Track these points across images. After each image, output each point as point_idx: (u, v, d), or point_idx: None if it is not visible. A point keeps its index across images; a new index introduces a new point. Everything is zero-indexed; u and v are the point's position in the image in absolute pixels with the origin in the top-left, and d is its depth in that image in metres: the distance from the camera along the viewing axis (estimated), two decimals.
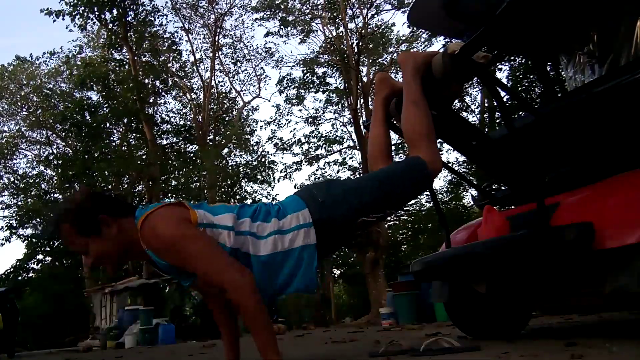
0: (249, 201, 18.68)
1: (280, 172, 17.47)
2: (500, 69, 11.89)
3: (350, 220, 1.64)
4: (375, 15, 15.72)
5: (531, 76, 11.89)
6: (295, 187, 19.64)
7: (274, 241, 1.57)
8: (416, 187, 1.82)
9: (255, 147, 18.71)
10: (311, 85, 16.70)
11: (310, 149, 17.18)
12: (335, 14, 15.05)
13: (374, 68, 16.30)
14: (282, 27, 16.08)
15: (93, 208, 1.54)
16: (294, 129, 21.33)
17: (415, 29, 13.58)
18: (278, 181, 17.24)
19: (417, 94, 1.84)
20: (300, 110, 17.54)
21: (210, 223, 1.54)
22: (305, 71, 16.57)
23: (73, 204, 1.57)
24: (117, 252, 1.56)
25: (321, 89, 16.81)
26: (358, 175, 16.46)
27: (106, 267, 1.61)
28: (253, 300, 1.43)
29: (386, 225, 15.82)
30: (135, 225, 1.52)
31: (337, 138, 17.50)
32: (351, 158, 17.49)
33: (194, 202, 1.68)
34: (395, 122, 2.09)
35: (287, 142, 17.53)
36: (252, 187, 18.86)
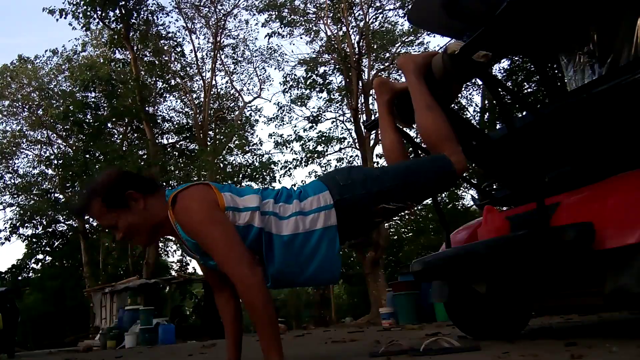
0: None
1: (281, 168, 17.40)
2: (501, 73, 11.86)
3: (369, 204, 1.65)
4: (379, 16, 15.69)
5: (523, 77, 11.88)
6: (295, 185, 19.63)
7: (296, 222, 1.59)
8: (439, 182, 1.80)
9: (256, 149, 18.67)
10: (315, 85, 16.60)
11: (310, 147, 17.06)
12: (338, 16, 15.01)
13: (376, 67, 16.25)
14: (282, 25, 15.99)
15: (121, 184, 1.62)
16: (295, 126, 21.15)
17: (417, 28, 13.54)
18: (279, 182, 17.17)
19: (428, 97, 1.82)
20: (301, 110, 17.49)
21: (236, 207, 1.57)
22: (307, 70, 16.47)
23: (103, 180, 1.65)
24: (145, 226, 1.62)
25: (324, 89, 16.70)
26: None
27: (136, 242, 1.68)
28: (261, 298, 1.45)
29: (387, 225, 15.80)
30: (164, 203, 1.59)
31: (337, 137, 17.41)
32: (354, 157, 17.42)
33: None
34: (399, 124, 2.06)
35: (288, 139, 17.46)
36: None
